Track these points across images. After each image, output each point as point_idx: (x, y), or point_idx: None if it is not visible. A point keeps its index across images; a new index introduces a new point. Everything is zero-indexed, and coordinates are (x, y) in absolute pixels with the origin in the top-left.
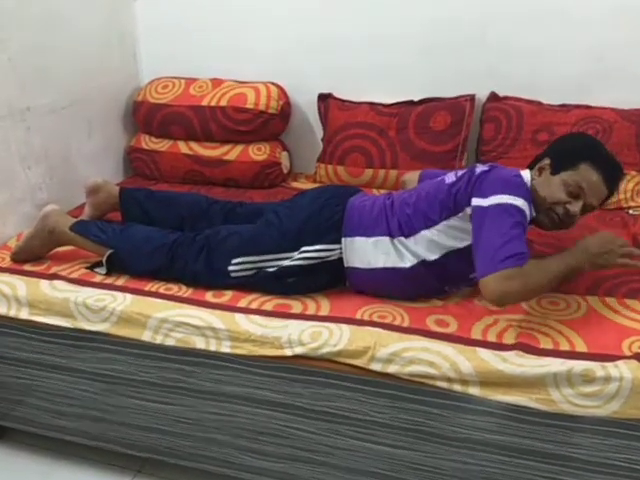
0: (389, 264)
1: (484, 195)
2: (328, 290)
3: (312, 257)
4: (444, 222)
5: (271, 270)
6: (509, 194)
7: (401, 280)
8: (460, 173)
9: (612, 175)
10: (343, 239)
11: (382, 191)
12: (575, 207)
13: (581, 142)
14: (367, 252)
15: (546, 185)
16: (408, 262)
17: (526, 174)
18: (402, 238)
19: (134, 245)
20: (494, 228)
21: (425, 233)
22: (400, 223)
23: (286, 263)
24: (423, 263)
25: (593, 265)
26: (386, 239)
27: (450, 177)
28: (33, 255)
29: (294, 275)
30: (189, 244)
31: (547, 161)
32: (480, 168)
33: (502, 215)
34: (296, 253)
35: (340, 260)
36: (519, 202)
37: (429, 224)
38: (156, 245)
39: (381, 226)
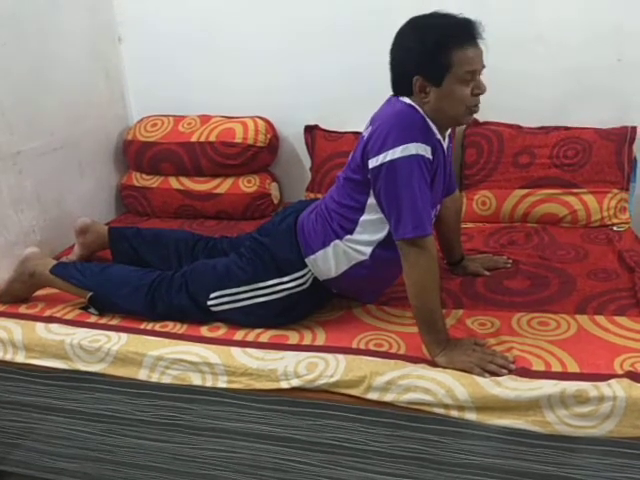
0: (353, 262)
1: (379, 152)
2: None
3: (289, 287)
4: (368, 200)
5: (252, 303)
6: (403, 143)
7: (372, 271)
8: (354, 153)
9: (475, 34)
10: (307, 260)
11: None
12: (481, 85)
13: (431, 39)
14: (329, 260)
15: (446, 100)
16: (367, 252)
17: (408, 104)
18: (348, 235)
19: (112, 287)
20: (406, 184)
21: (364, 218)
22: (339, 223)
23: (262, 297)
24: (379, 245)
25: (450, 355)
26: (338, 242)
27: (349, 158)
28: (16, 298)
29: (279, 311)
30: (168, 284)
31: (420, 80)
32: (366, 132)
33: (411, 170)
34: (271, 286)
35: (316, 280)
36: (417, 148)
37: (361, 208)
38: (134, 287)
39: (328, 233)
